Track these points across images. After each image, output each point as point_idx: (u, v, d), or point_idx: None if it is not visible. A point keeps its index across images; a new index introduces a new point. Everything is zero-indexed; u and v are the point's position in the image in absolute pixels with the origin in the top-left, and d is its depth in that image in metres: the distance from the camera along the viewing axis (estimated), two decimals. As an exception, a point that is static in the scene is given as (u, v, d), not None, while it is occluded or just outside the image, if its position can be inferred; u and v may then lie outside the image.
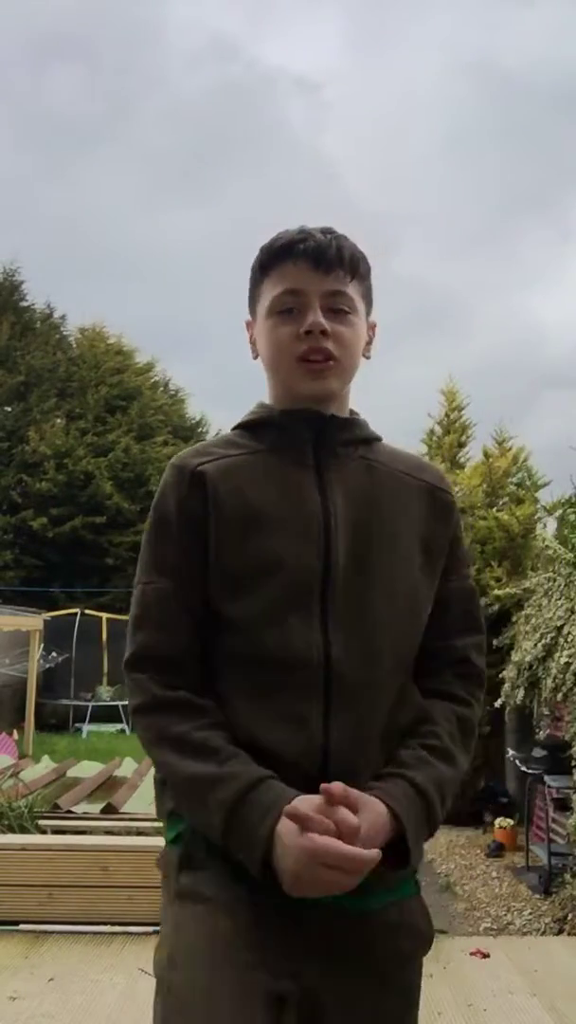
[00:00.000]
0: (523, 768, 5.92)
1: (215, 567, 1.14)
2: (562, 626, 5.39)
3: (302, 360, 1.18)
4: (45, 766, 7.62)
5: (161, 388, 21.41)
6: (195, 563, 1.15)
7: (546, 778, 5.42)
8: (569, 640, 5.20)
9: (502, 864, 6.13)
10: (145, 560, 1.20)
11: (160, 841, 1.27)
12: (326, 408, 1.22)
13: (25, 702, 10.69)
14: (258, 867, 1.00)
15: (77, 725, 12.78)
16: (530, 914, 5.07)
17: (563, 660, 5.15)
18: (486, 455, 8.40)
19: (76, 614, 13.52)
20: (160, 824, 1.25)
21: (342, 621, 1.12)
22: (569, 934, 4.59)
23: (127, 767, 7.72)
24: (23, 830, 4.74)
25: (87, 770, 7.41)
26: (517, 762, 6.20)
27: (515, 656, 6.01)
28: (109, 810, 5.40)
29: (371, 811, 1.03)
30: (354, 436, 1.24)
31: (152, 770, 1.17)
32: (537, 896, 5.33)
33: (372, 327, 1.28)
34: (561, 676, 5.15)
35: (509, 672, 6.11)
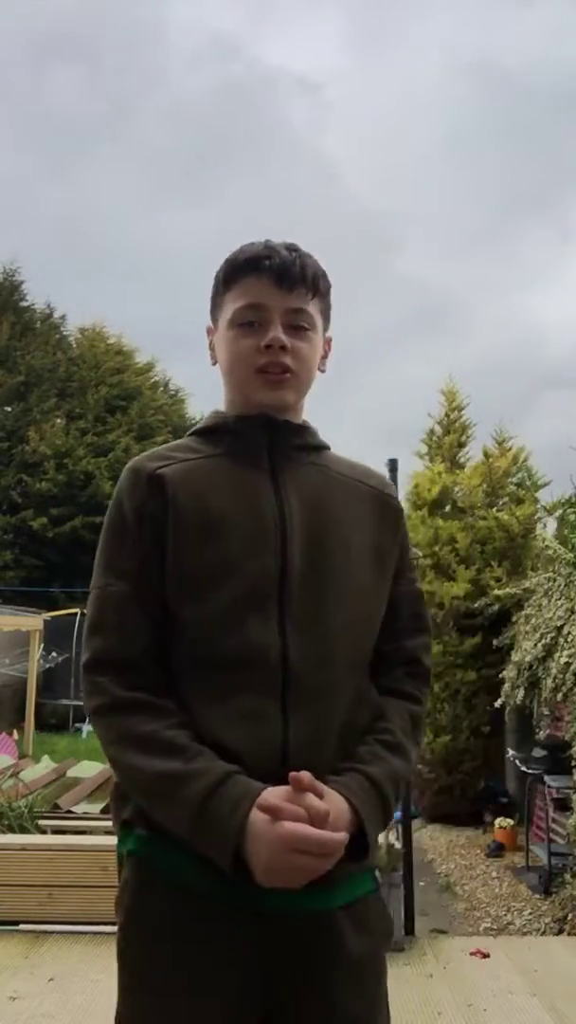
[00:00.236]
0: (523, 768, 5.92)
1: (173, 570, 1.15)
2: (562, 626, 5.38)
3: (260, 371, 1.22)
4: (45, 766, 7.62)
5: (161, 388, 21.42)
6: (153, 566, 1.15)
7: (546, 778, 5.42)
8: (569, 640, 5.20)
9: (502, 864, 6.13)
10: (101, 563, 1.20)
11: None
12: (280, 416, 1.26)
13: (25, 702, 10.70)
14: (229, 860, 1.02)
15: (77, 725, 12.79)
16: (530, 914, 5.07)
17: (563, 660, 5.15)
18: (486, 455, 8.40)
19: (76, 614, 13.51)
20: None
21: (298, 623, 1.14)
22: (569, 934, 4.59)
23: (127, 767, 7.70)
24: (23, 830, 4.74)
25: (87, 770, 7.41)
26: (517, 762, 6.20)
27: (515, 656, 6.01)
28: (109, 810, 5.39)
29: (334, 801, 1.06)
30: (306, 442, 1.28)
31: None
32: (537, 896, 5.33)
33: (328, 342, 1.33)
34: (561, 676, 5.15)
35: (509, 672, 6.11)
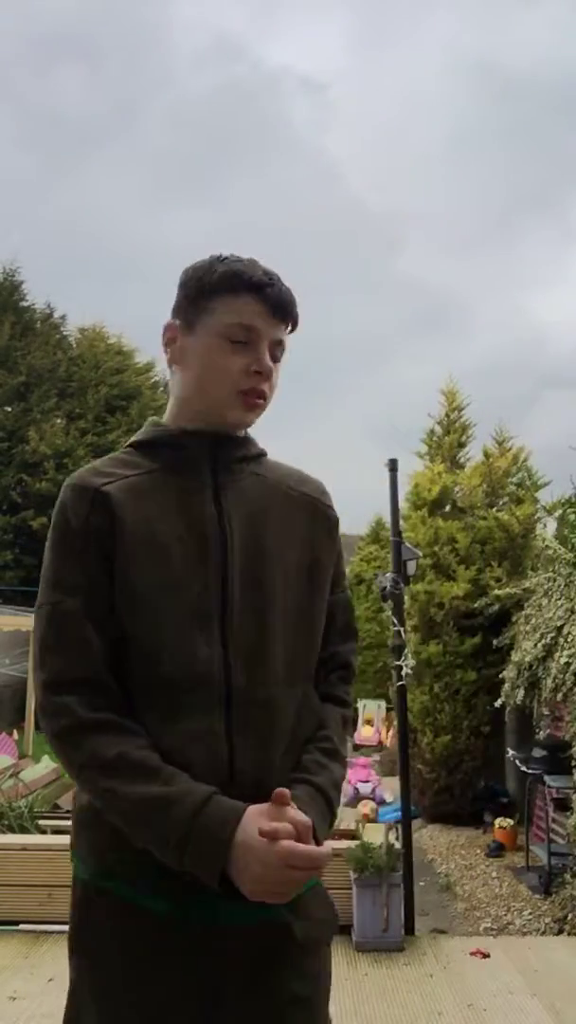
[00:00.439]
0: (523, 768, 5.92)
1: (122, 586, 1.15)
2: (562, 626, 5.38)
3: (242, 393, 1.23)
4: (45, 766, 7.62)
5: (161, 388, 21.39)
6: (102, 581, 1.16)
7: (546, 778, 5.42)
8: (569, 640, 5.20)
9: (502, 864, 6.13)
10: (50, 580, 1.19)
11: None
12: (233, 433, 1.28)
13: (25, 702, 10.69)
14: (216, 878, 1.05)
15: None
16: (530, 914, 5.07)
17: (563, 660, 5.15)
18: (486, 455, 8.40)
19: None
20: None
21: (240, 643, 1.17)
22: (569, 934, 4.59)
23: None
24: (23, 830, 4.74)
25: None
26: (517, 762, 6.20)
27: (515, 656, 6.01)
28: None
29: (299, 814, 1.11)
30: (247, 453, 1.29)
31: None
32: (537, 896, 5.33)
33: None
34: (561, 676, 5.15)
35: (509, 672, 6.11)
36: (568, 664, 5.09)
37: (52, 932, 3.84)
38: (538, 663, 5.57)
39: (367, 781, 8.22)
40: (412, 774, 5.88)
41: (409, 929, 4.17)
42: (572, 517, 6.53)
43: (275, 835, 1.03)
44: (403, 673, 4.69)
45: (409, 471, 8.23)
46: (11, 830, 4.74)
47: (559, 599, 5.59)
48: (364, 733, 13.11)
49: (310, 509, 1.30)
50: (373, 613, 14.74)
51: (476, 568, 7.61)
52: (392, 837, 4.23)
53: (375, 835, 4.27)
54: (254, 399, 1.24)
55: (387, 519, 5.41)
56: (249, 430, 1.33)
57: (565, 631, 5.31)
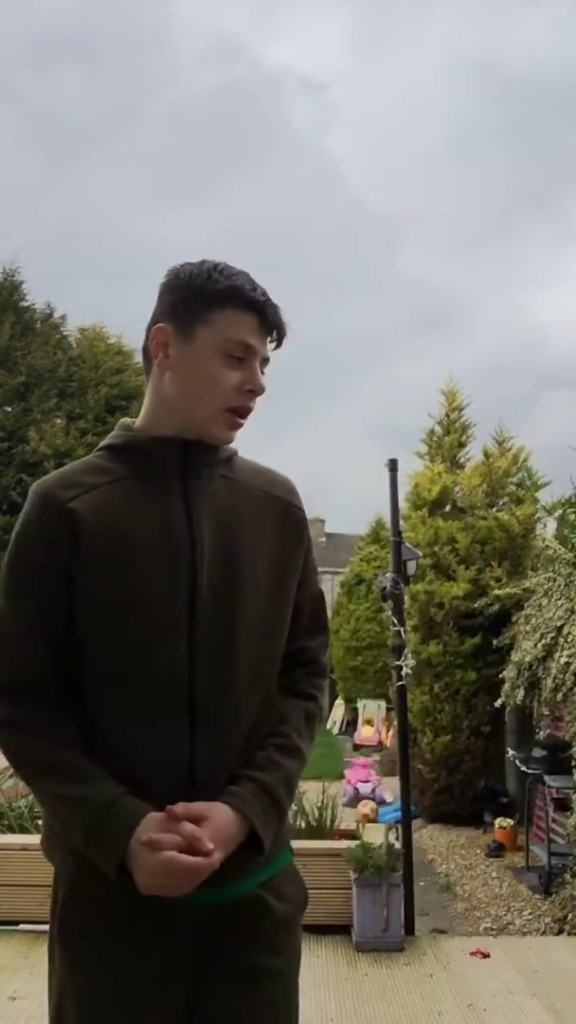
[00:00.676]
0: (523, 768, 5.92)
1: (85, 600, 1.18)
2: (562, 626, 5.39)
3: (230, 411, 1.25)
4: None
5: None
6: (55, 594, 1.19)
7: (546, 778, 5.42)
8: (569, 640, 5.20)
9: (502, 864, 6.13)
10: (3, 587, 1.23)
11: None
12: (209, 442, 1.28)
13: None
14: (114, 873, 1.12)
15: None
16: (530, 914, 5.07)
17: (563, 660, 5.15)
18: (486, 455, 8.39)
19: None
20: None
21: (206, 650, 1.20)
22: (569, 934, 4.59)
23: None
24: (23, 830, 4.73)
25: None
26: (517, 762, 6.20)
27: (515, 656, 6.01)
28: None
29: (217, 817, 1.15)
30: (217, 457, 1.30)
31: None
32: (537, 896, 5.33)
33: None
34: (561, 676, 5.15)
35: (509, 672, 6.11)
36: (568, 664, 5.09)
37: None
38: (538, 663, 5.57)
39: (367, 781, 8.23)
40: (412, 774, 5.88)
41: (409, 929, 4.17)
42: (572, 517, 6.53)
43: (157, 845, 1.09)
44: (403, 673, 4.69)
45: (409, 471, 8.24)
46: (11, 830, 4.73)
47: (559, 599, 5.59)
48: (364, 733, 13.12)
49: (279, 511, 1.32)
50: (373, 613, 14.75)
51: (476, 568, 7.61)
52: (392, 837, 4.24)
53: (375, 835, 4.28)
54: (239, 418, 1.26)
55: (387, 519, 5.41)
56: (247, 430, 1.33)
57: (565, 631, 5.31)
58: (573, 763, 4.83)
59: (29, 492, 1.24)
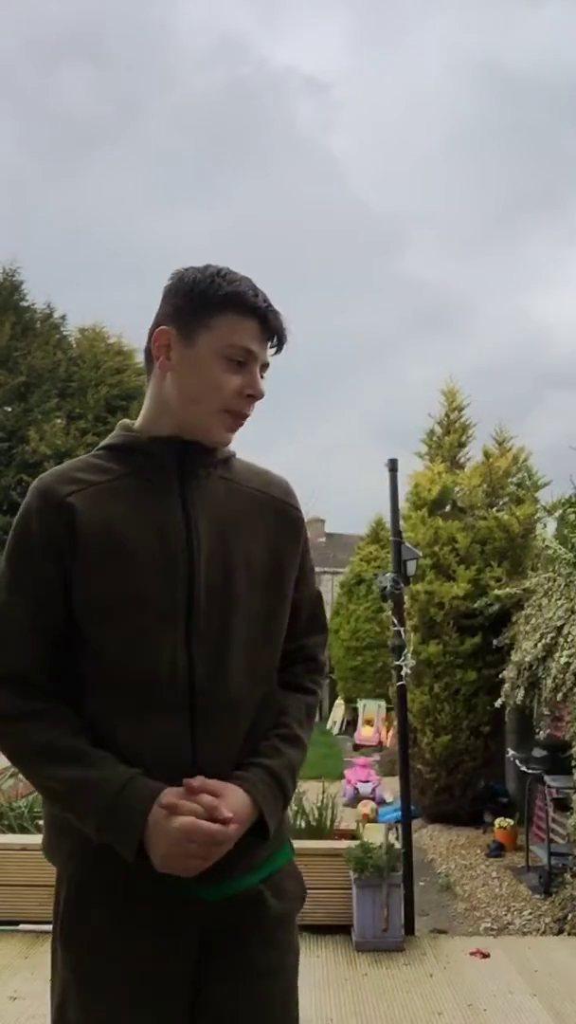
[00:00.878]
0: (523, 768, 5.92)
1: (84, 596, 1.20)
2: (562, 626, 5.39)
3: (229, 413, 1.27)
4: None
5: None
6: (54, 588, 1.20)
7: (546, 778, 5.42)
8: (569, 640, 5.20)
9: (502, 864, 6.13)
10: (2, 581, 1.24)
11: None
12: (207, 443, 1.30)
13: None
14: (132, 853, 1.13)
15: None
16: (530, 914, 5.07)
17: (563, 660, 5.15)
18: (486, 455, 8.40)
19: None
20: None
21: (205, 647, 1.21)
22: (569, 934, 4.59)
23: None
24: (23, 830, 4.73)
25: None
26: (517, 762, 6.20)
27: (515, 656, 6.01)
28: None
29: (233, 795, 1.17)
30: (215, 458, 1.32)
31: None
32: (537, 896, 5.34)
33: None
34: (561, 676, 5.15)
35: (509, 672, 6.11)
36: (568, 664, 5.09)
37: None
38: (538, 663, 5.57)
39: (367, 781, 8.23)
40: (412, 774, 5.88)
41: (409, 929, 4.17)
42: (572, 517, 6.53)
43: (175, 809, 1.11)
44: (403, 673, 4.69)
45: (409, 471, 8.24)
46: (11, 830, 4.73)
47: (559, 599, 5.59)
48: (364, 733, 13.12)
49: (276, 512, 1.34)
50: (373, 613, 14.74)
51: (476, 568, 7.62)
52: (392, 837, 4.23)
53: (375, 835, 4.28)
54: (238, 421, 1.28)
55: (387, 519, 5.41)
56: (248, 431, 1.34)
57: (565, 631, 5.32)
58: (573, 763, 4.83)
59: (29, 488, 1.25)
